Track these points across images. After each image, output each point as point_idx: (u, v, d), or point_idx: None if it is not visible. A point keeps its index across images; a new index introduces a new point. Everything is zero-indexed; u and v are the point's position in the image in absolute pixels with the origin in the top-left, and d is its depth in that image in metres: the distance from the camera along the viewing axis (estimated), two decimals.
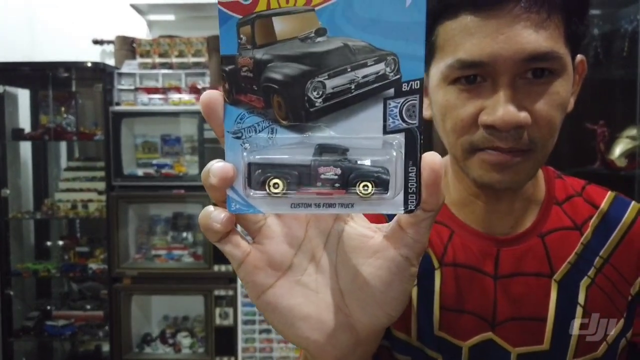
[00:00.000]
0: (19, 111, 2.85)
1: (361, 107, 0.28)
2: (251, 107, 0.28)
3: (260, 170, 0.29)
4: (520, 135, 0.53)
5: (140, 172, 2.66)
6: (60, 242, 2.86)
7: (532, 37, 0.51)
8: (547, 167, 0.66)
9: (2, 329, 2.67)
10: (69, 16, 3.01)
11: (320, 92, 0.28)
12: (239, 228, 0.35)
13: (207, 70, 2.74)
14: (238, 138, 0.29)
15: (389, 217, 0.41)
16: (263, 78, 0.28)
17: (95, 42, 2.99)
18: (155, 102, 2.62)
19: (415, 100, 0.28)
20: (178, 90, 2.64)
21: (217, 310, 2.61)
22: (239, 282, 2.58)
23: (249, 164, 0.29)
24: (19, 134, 2.73)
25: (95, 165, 2.87)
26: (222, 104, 0.29)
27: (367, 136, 0.28)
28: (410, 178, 0.29)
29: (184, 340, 2.77)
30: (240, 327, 2.60)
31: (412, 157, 0.29)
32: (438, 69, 0.56)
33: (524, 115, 0.52)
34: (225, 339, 2.61)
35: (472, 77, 0.54)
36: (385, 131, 0.28)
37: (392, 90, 0.28)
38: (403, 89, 0.28)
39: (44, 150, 2.92)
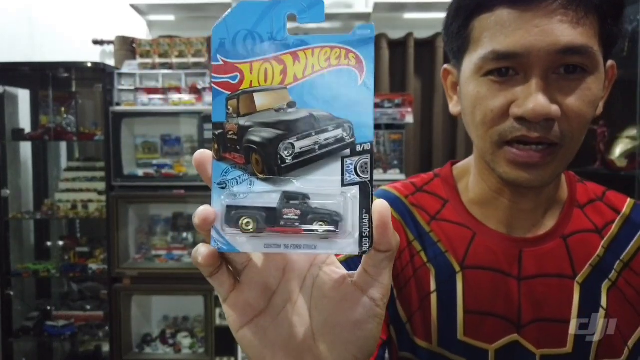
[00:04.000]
0: (19, 111, 2.85)
1: (324, 164, 0.35)
2: (234, 163, 0.35)
3: (234, 211, 0.35)
4: (550, 127, 0.54)
5: (140, 172, 2.66)
6: (60, 243, 2.86)
7: (567, 31, 0.52)
8: (568, 172, 0.67)
9: (2, 329, 2.67)
10: (69, 16, 3.01)
11: (290, 152, 0.35)
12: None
13: (207, 70, 2.74)
14: (222, 188, 0.35)
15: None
16: (245, 140, 0.35)
17: (95, 42, 2.99)
18: (155, 103, 2.62)
19: (367, 159, 0.34)
20: (178, 90, 2.64)
21: (217, 311, 2.61)
22: None
23: (227, 207, 0.35)
24: (19, 134, 2.73)
25: (95, 165, 2.87)
26: (210, 161, 0.35)
27: (327, 187, 0.34)
28: (363, 224, 0.34)
29: (184, 340, 2.77)
30: None
31: (364, 205, 0.34)
32: (471, 61, 0.58)
33: (554, 108, 0.53)
34: (225, 339, 2.60)
35: (505, 70, 0.55)
36: (343, 184, 0.34)
37: (348, 151, 0.35)
38: (357, 150, 0.35)
39: (44, 150, 2.92)
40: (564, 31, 0.52)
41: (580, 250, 0.61)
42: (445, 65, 0.66)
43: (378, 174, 2.57)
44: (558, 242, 0.62)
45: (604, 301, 0.60)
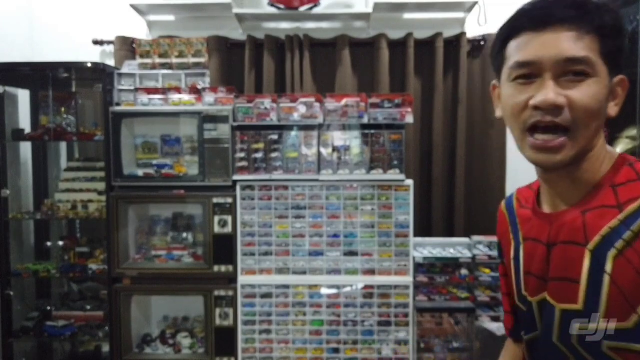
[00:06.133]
0: (19, 111, 2.86)
1: None
2: None
3: None
4: (559, 113, 0.72)
5: (140, 172, 2.66)
6: (60, 243, 2.86)
7: (571, 45, 0.72)
8: (623, 155, 0.80)
9: (2, 329, 2.67)
10: (69, 16, 3.01)
11: None
12: None
13: (207, 70, 2.75)
14: None
15: None
16: None
17: (96, 42, 3.00)
18: (155, 103, 2.62)
19: None
20: (178, 90, 2.64)
21: (217, 311, 2.61)
22: (239, 282, 2.59)
23: None
24: (19, 135, 2.73)
25: (95, 165, 2.87)
26: None
27: None
28: None
29: (184, 340, 2.77)
30: (240, 327, 2.60)
31: None
32: (505, 72, 0.79)
33: (561, 99, 0.72)
34: (225, 339, 2.61)
35: (528, 75, 0.75)
36: None
37: None
38: None
39: (44, 150, 2.93)
40: (568, 45, 0.72)
41: (595, 223, 0.73)
42: (494, 82, 0.86)
43: (378, 174, 2.58)
44: (576, 214, 0.76)
45: (609, 267, 0.69)
